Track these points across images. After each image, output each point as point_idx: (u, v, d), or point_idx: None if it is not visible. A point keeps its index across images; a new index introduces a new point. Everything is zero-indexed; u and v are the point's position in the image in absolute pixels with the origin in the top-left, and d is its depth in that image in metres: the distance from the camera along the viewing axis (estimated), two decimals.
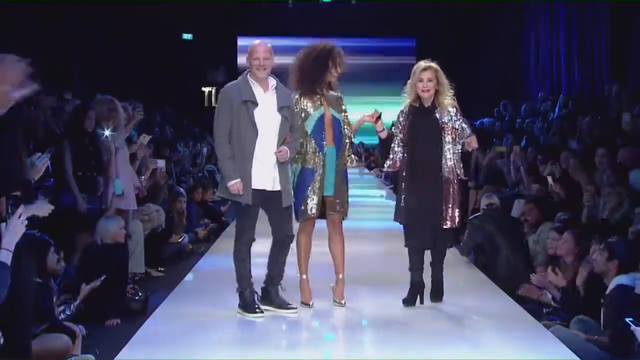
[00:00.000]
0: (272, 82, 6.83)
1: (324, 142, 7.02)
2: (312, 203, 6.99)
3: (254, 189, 6.69)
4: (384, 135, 7.14)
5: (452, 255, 9.64)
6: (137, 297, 7.44)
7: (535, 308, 7.20)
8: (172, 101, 22.05)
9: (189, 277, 8.68)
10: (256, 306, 6.80)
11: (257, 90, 6.76)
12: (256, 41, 6.87)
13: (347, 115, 7.17)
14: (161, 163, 10.13)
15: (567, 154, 10.02)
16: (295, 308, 6.91)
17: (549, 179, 9.69)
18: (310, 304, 7.09)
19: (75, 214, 7.88)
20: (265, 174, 6.72)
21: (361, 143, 25.10)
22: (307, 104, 7.04)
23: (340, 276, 7.17)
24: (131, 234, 8.55)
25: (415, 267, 7.13)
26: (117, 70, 19.54)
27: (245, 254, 6.81)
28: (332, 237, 7.19)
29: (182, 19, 23.85)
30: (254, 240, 6.81)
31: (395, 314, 6.93)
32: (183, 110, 22.11)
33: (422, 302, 7.14)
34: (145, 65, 21.57)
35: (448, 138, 6.98)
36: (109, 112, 8.63)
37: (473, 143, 7.08)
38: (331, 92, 7.11)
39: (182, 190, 11.30)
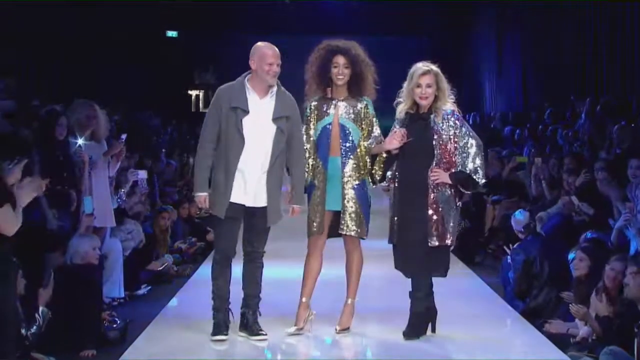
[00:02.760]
0: (273, 87, 6.85)
1: (328, 153, 7.02)
2: (314, 219, 7.02)
3: (232, 202, 6.79)
4: (397, 151, 7.04)
5: (468, 279, 9.63)
6: (115, 325, 7.36)
7: (561, 337, 7.13)
8: (156, 106, 21.98)
9: (174, 302, 8.64)
10: (222, 329, 6.88)
11: (252, 96, 6.80)
12: (264, 44, 6.91)
13: (371, 124, 7.12)
14: (143, 174, 10.05)
15: (598, 165, 9.93)
16: (265, 334, 6.92)
17: (574, 199, 9.59)
18: (301, 327, 7.07)
19: (44, 232, 7.80)
20: (247, 188, 6.81)
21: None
22: (317, 111, 7.08)
23: (349, 301, 7.19)
24: (108, 254, 8.50)
25: (425, 293, 7.06)
26: (93, 71, 19.48)
27: (219, 271, 6.95)
28: (348, 258, 7.22)
29: (166, 14, 23.81)
30: (231, 257, 6.93)
31: (403, 343, 6.89)
32: (168, 116, 22.05)
33: (433, 330, 7.09)
34: (124, 65, 21.51)
35: (439, 150, 6.88)
36: (88, 119, 8.58)
37: (438, 175, 6.87)
38: (352, 97, 7.10)
39: (169, 206, 11.25)
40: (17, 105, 10.62)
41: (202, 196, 6.85)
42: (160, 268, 9.98)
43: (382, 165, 7.13)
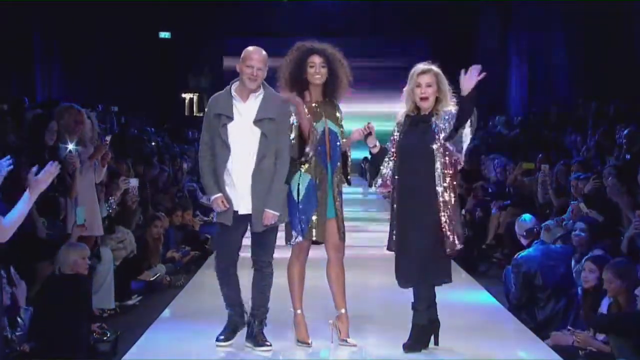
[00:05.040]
0: (259, 90, 6.90)
1: (327, 159, 7.02)
2: (314, 224, 6.99)
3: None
4: (376, 150, 7.04)
5: (472, 289, 9.61)
6: (105, 338, 7.37)
7: (570, 349, 7.13)
8: (148, 109, 21.98)
9: (166, 313, 8.62)
10: (225, 334, 7.03)
11: (236, 102, 6.89)
12: (251, 47, 6.93)
13: (342, 129, 7.16)
14: (134, 182, 10.06)
15: (606, 171, 9.94)
16: (269, 345, 6.96)
17: (582, 206, 9.59)
18: (309, 342, 7.08)
19: (33, 241, 7.80)
20: (237, 195, 6.89)
21: (365, 158, 25.12)
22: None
23: (343, 311, 7.15)
24: (97, 263, 8.48)
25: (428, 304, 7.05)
26: (84, 73, 19.48)
27: (223, 279, 7.06)
28: (331, 266, 7.18)
29: (159, 14, 23.80)
30: (231, 265, 7.01)
31: (405, 356, 6.86)
32: (160, 120, 22.05)
33: (436, 343, 7.04)
34: (116, 68, 21.52)
35: (442, 151, 6.81)
36: (75, 123, 8.57)
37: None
38: (328, 102, 7.11)
39: (161, 213, 11.24)
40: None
41: (218, 197, 6.84)
42: (153, 278, 9.98)
43: (351, 162, 7.20)
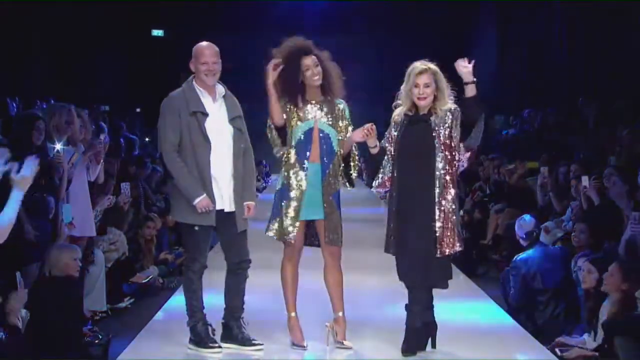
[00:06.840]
0: (221, 89, 7.02)
1: (307, 159, 7.03)
2: (288, 224, 7.02)
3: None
4: (375, 150, 7.07)
5: (470, 292, 9.62)
6: (97, 341, 7.37)
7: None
8: (140, 109, 21.94)
9: (159, 316, 8.64)
10: (211, 340, 6.99)
11: (206, 99, 6.97)
12: (203, 43, 7.03)
13: (346, 129, 7.14)
14: (125, 188, 10.08)
15: (608, 172, 9.94)
16: (261, 344, 7.01)
17: (584, 179, 9.59)
18: (305, 345, 7.11)
19: (21, 243, 7.78)
20: (222, 192, 6.95)
21: (362, 157, 25.05)
22: (294, 114, 7.06)
23: (340, 314, 7.17)
24: (89, 265, 8.48)
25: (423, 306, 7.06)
26: (74, 71, 19.44)
27: (197, 283, 7.06)
28: (328, 269, 7.20)
29: (151, 12, 23.76)
30: (206, 267, 7.06)
31: (402, 358, 6.89)
32: (153, 120, 21.97)
33: (433, 346, 7.08)
34: (108, 66, 21.48)
35: (443, 150, 6.86)
36: (66, 123, 8.56)
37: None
38: (329, 100, 7.10)
39: (154, 214, 11.22)
40: None
41: (202, 199, 6.82)
42: (145, 280, 9.96)
43: (357, 164, 7.21)
